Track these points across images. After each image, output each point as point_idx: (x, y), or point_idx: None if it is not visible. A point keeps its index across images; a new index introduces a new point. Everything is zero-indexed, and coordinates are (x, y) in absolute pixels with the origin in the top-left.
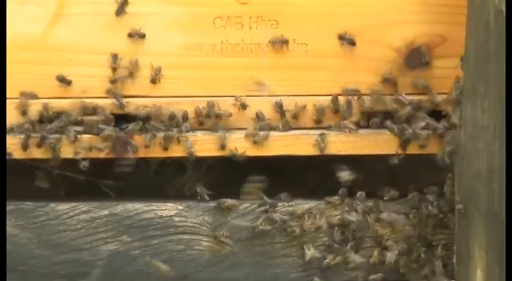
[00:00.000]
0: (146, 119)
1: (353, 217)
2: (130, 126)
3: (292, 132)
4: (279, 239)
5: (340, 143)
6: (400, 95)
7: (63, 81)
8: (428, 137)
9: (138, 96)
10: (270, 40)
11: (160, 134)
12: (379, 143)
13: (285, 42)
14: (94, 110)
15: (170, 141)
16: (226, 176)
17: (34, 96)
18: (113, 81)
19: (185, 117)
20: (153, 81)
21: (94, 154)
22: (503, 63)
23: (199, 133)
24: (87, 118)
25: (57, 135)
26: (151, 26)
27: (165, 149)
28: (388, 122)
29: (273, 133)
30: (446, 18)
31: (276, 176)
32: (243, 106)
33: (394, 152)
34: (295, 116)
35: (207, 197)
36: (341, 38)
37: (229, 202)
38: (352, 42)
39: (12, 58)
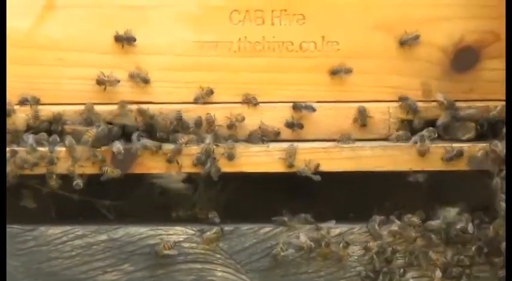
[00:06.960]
0: (149, 128)
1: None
2: (144, 140)
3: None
4: (305, 269)
5: (376, 158)
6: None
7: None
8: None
9: (140, 102)
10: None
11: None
12: (424, 157)
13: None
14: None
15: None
16: (243, 195)
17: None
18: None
19: (198, 125)
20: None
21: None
22: None
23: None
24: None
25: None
26: (157, 21)
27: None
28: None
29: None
30: (500, 12)
31: (299, 196)
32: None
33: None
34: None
35: (216, 219)
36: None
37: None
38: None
39: None
